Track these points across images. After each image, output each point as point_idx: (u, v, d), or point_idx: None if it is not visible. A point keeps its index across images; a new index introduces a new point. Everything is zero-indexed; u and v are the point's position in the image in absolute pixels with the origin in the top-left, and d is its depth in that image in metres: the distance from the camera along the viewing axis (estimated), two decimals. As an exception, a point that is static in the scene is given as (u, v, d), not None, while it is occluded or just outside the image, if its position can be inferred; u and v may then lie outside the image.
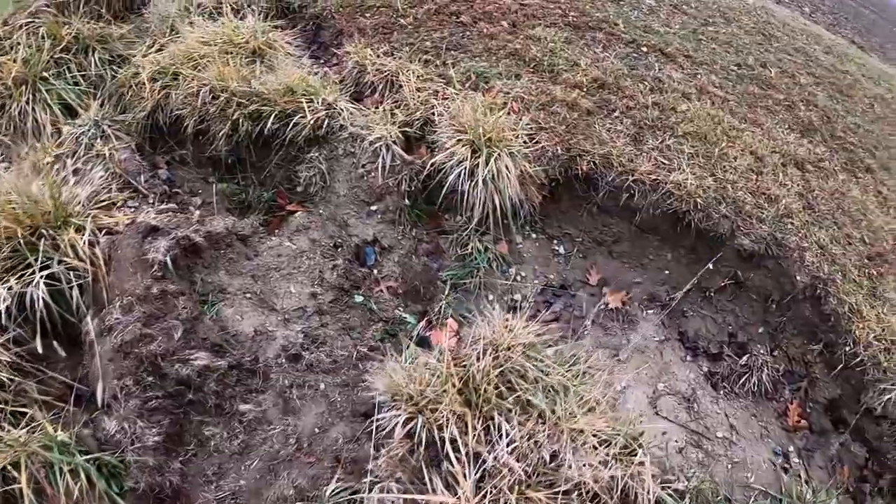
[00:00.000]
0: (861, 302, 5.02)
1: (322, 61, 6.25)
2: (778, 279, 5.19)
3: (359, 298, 4.67)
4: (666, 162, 5.33)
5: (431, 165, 4.90)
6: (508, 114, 5.23)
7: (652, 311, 5.26)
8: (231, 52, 5.43)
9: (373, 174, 4.98)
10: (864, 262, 5.52)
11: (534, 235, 5.25)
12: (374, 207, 5.03)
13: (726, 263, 5.28)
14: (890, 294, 5.33)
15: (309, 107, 4.98)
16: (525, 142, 5.03)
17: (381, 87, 5.59)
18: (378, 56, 5.77)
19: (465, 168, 4.73)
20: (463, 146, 4.79)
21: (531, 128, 5.20)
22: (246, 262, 4.47)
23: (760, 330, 5.31)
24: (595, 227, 5.34)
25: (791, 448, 4.82)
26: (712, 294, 5.34)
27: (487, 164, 4.71)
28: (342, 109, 5.19)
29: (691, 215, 5.09)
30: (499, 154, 4.75)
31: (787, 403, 5.02)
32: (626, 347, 4.95)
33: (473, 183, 4.73)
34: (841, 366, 4.81)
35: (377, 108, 5.36)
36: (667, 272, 5.39)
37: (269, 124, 4.95)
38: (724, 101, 6.44)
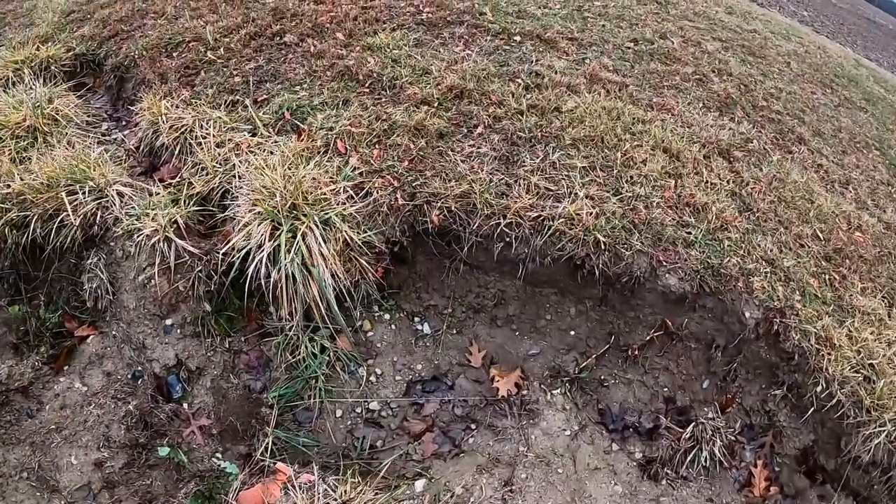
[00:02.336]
0: (829, 326, 3.65)
1: (123, 123, 4.75)
2: (721, 319, 3.72)
3: (164, 451, 3.21)
4: (552, 187, 3.73)
5: (226, 254, 3.32)
6: (329, 158, 3.60)
7: (558, 392, 3.69)
8: (1, 139, 4.13)
9: (155, 280, 3.41)
10: (822, 265, 4.15)
11: (387, 317, 3.65)
12: (169, 321, 3.50)
13: (650, 310, 3.77)
14: (859, 300, 3.99)
15: (72, 201, 3.62)
16: (352, 197, 3.40)
17: (177, 149, 4.02)
18: (176, 107, 4.19)
19: (265, 253, 3.11)
20: (261, 222, 3.15)
21: (360, 173, 3.55)
22: (27, 421, 3.29)
23: (705, 384, 3.85)
24: (468, 290, 3.74)
25: None
26: (636, 352, 3.80)
27: (294, 241, 3.08)
28: (115, 196, 3.66)
29: (593, 259, 3.51)
30: (309, 226, 3.12)
31: (749, 468, 3.68)
32: (525, 460, 3.35)
33: (279, 271, 3.10)
34: (812, 409, 3.53)
35: (173, 179, 3.87)
36: (572, 333, 3.82)
37: (33, 231, 3.65)
38: (621, 87, 4.86)
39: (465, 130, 3.98)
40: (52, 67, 5.01)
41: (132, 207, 3.60)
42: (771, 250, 3.96)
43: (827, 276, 4.06)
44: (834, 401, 3.44)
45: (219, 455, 3.28)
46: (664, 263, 3.60)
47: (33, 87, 4.53)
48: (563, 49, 5.14)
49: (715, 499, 3.56)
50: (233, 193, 3.56)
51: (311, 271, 3.10)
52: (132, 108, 4.48)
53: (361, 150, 3.70)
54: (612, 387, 3.74)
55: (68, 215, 3.56)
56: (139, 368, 3.44)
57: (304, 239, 3.11)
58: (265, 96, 4.25)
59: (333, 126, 3.84)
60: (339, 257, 3.19)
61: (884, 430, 3.35)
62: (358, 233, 3.29)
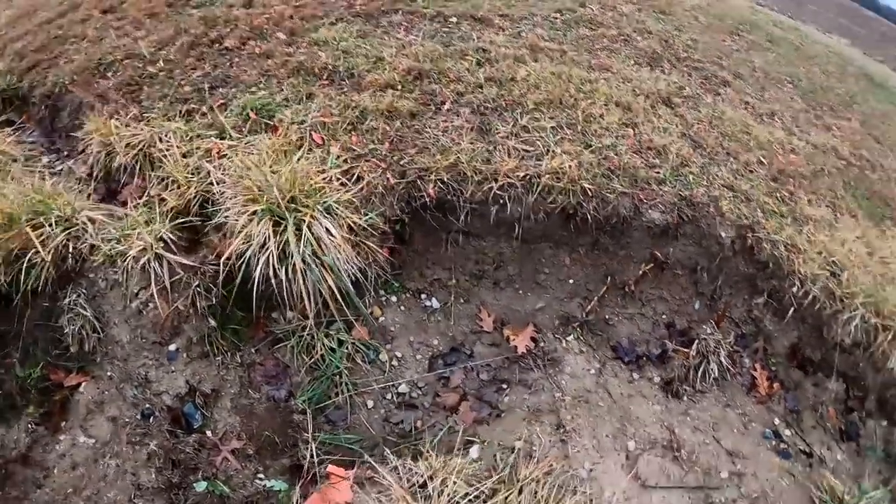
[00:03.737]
0: (792, 235, 4.02)
1: (65, 154, 4.30)
2: (700, 244, 3.93)
3: (201, 486, 2.92)
4: (529, 148, 3.76)
5: (227, 260, 3.06)
6: (310, 150, 3.47)
7: (572, 337, 3.72)
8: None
9: (155, 303, 3.08)
10: (772, 185, 4.51)
11: (394, 299, 3.55)
12: (173, 346, 3.18)
13: (638, 246, 3.87)
14: (809, 210, 4.42)
15: (40, 236, 3.11)
16: (344, 184, 3.28)
17: (137, 167, 3.69)
18: (126, 126, 3.85)
19: (272, 251, 2.93)
20: (260, 221, 2.99)
21: (345, 160, 3.44)
22: (36, 492, 2.82)
23: (697, 306, 4.04)
24: (467, 259, 3.70)
25: (776, 421, 3.83)
26: (633, 288, 3.92)
27: (300, 235, 2.94)
28: (86, 223, 3.25)
29: (584, 207, 3.57)
30: (311, 216, 2.99)
31: (750, 372, 3.95)
32: (564, 403, 3.35)
33: (290, 267, 2.95)
34: (793, 309, 3.89)
35: (139, 199, 3.51)
36: (571, 281, 3.85)
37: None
38: (561, 54, 4.94)
39: (434, 108, 3.93)
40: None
41: (107, 232, 3.24)
42: (728, 178, 4.24)
43: (778, 194, 4.40)
44: (810, 297, 3.81)
45: (261, 475, 3.06)
46: (645, 201, 3.73)
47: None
48: (497, 25, 5.17)
49: (731, 403, 3.77)
50: (214, 200, 3.33)
51: (324, 260, 2.97)
52: (74, 135, 4.10)
53: (340, 139, 3.59)
54: (617, 324, 3.81)
55: (37, 252, 3.06)
56: (147, 406, 3.09)
57: (310, 229, 2.98)
58: (222, 101, 4.02)
59: (304, 119, 3.69)
60: (347, 243, 3.07)
61: (857, 314, 3.74)
62: (359, 216, 3.18)
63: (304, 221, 3.00)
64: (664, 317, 3.95)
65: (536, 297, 3.76)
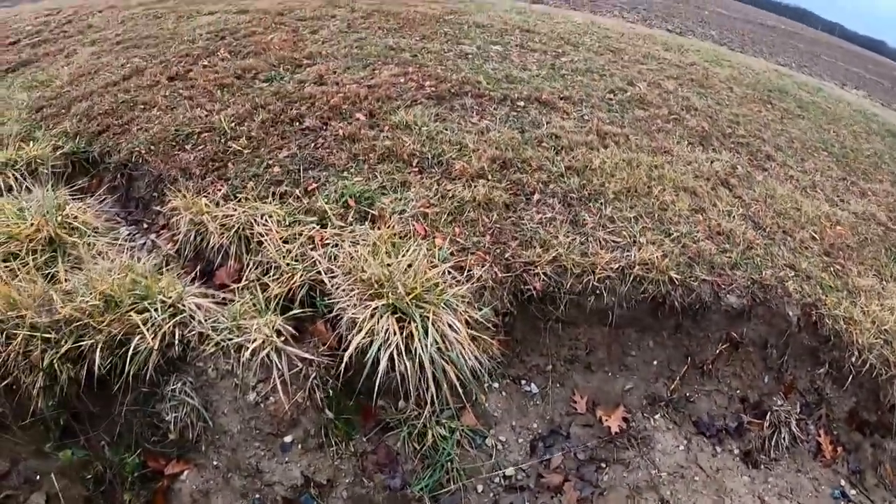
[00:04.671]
0: (848, 308, 4.18)
1: (145, 226, 4.26)
2: (771, 323, 4.08)
3: None
4: (618, 239, 3.93)
5: (346, 353, 3.14)
6: (417, 242, 3.61)
7: (659, 416, 3.85)
8: (17, 255, 3.48)
9: (272, 398, 3.13)
10: (825, 260, 4.69)
11: (496, 385, 3.66)
12: (288, 438, 3.18)
13: (715, 328, 4.03)
14: (859, 281, 4.59)
15: (145, 320, 3.06)
16: (455, 277, 3.43)
17: (233, 249, 3.72)
18: (217, 204, 3.93)
19: (396, 346, 3.06)
20: (382, 316, 3.11)
21: (451, 253, 3.59)
22: None
23: (766, 379, 4.17)
24: (562, 345, 3.84)
25: (842, 482, 3.94)
26: (710, 366, 4.06)
27: (426, 332, 3.06)
28: (194, 310, 3.25)
29: (672, 295, 3.74)
30: (435, 312, 3.12)
31: (815, 438, 4.07)
32: (662, 479, 3.47)
33: (413, 361, 3.06)
34: (851, 376, 4.03)
35: (236, 283, 3.56)
36: (655, 363, 3.99)
37: (97, 362, 2.95)
38: (625, 138, 5.15)
39: (525, 198, 4.10)
40: (40, 169, 4.46)
41: (217, 320, 3.23)
42: (788, 257, 4.42)
43: (832, 269, 4.57)
44: (867, 365, 3.95)
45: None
46: (722, 287, 3.90)
47: (32, 191, 3.95)
48: (562, 109, 5.37)
49: (801, 469, 3.90)
50: (324, 290, 3.42)
51: (449, 356, 3.09)
52: (159, 207, 4.13)
53: (442, 230, 3.74)
54: (697, 401, 3.94)
55: (143, 338, 2.99)
56: (258, 496, 3.06)
57: (434, 325, 3.11)
58: (315, 184, 4.13)
59: (404, 209, 3.85)
60: (467, 337, 3.20)
61: None
62: (474, 311, 3.31)
63: (429, 318, 3.12)
64: (738, 392, 4.09)
65: (625, 379, 3.88)
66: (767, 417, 3.93)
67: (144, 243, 4.08)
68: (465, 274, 3.48)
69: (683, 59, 8.12)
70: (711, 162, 5.26)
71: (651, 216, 4.19)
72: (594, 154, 4.67)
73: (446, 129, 4.70)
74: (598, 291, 3.62)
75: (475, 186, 4.07)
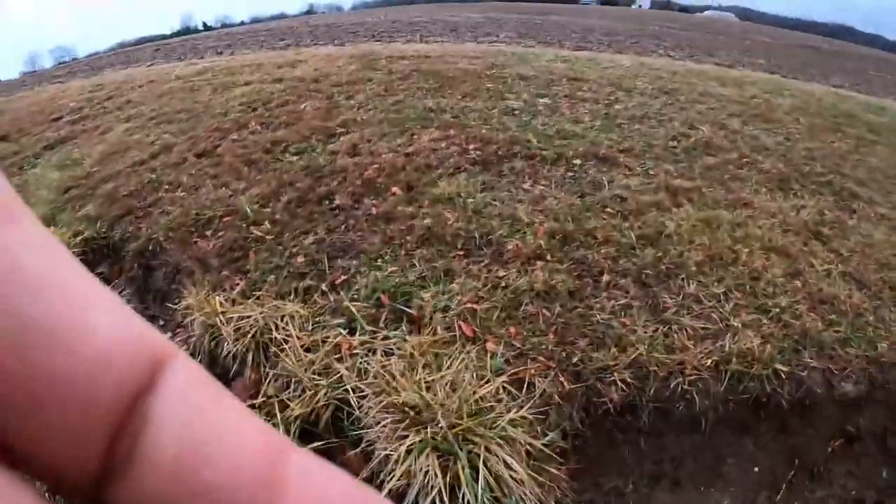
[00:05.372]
0: None
1: (161, 324, 3.76)
2: (892, 407, 3.24)
3: None
4: (707, 325, 3.18)
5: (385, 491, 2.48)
6: (463, 346, 2.94)
7: (764, 538, 3.01)
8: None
9: None
10: None
11: (569, 515, 2.91)
12: None
13: (827, 423, 3.21)
14: None
15: None
16: (511, 393, 2.74)
17: (250, 357, 3.14)
18: (233, 303, 3.38)
19: (440, 490, 2.37)
20: (421, 454, 2.45)
21: (507, 360, 2.90)
22: None
23: (885, 474, 3.29)
24: (644, 460, 3.08)
25: None
26: (821, 468, 3.22)
27: (476, 473, 2.38)
28: None
29: (778, 392, 2.96)
30: (487, 447, 2.43)
31: None
32: None
33: (461, 506, 2.37)
34: None
35: (254, 399, 2.96)
36: (756, 470, 3.19)
37: None
38: (698, 192, 4.43)
39: (592, 282, 3.41)
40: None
41: None
42: None
43: None
44: None
45: None
46: (836, 373, 3.14)
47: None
48: (623, 164, 4.71)
49: None
50: (352, 414, 2.80)
51: (504, 500, 2.40)
52: (170, 304, 3.65)
53: (495, 331, 3.06)
54: (806, 512, 3.11)
55: None
56: None
57: (485, 464, 2.42)
58: (343, 277, 3.56)
59: (448, 305, 3.19)
60: (527, 471, 2.50)
61: None
62: (536, 436, 2.61)
63: (479, 456, 2.44)
64: (854, 493, 3.24)
65: (720, 493, 3.09)
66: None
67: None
68: (525, 388, 2.78)
69: (743, 93, 7.38)
70: (797, 211, 4.49)
71: (742, 289, 3.45)
72: (667, 216, 3.96)
73: (495, 200, 4.07)
74: (687, 396, 2.87)
75: (532, 270, 3.40)
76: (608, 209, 4.01)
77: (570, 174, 4.46)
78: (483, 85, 6.48)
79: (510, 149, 4.73)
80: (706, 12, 60.20)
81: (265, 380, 3.06)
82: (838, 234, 4.44)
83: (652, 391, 2.85)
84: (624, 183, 4.35)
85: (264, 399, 2.95)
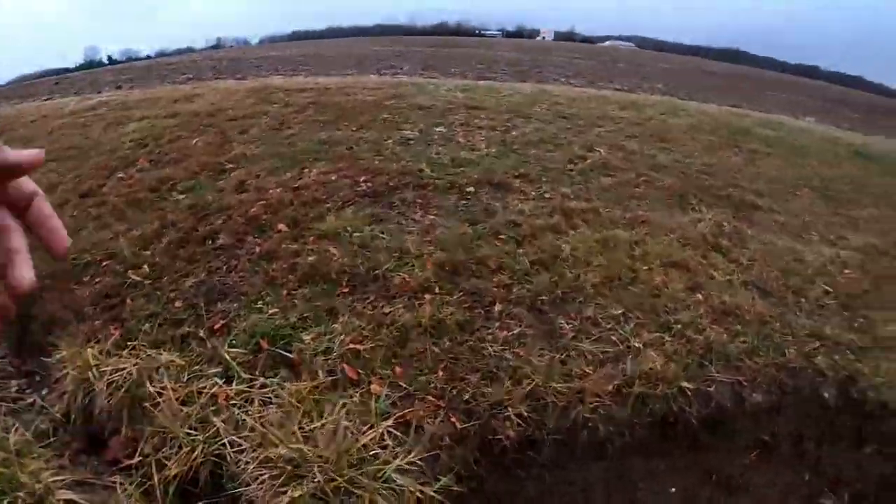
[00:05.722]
0: (889, 370, 3.24)
1: (37, 379, 3.36)
2: (806, 412, 3.15)
3: None
4: (607, 348, 2.99)
5: None
6: (345, 390, 2.64)
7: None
8: None
9: None
10: (846, 315, 3.79)
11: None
12: None
13: (740, 435, 3.06)
14: (888, 329, 3.66)
15: None
16: (397, 438, 2.45)
17: (124, 413, 2.78)
18: (107, 354, 3.01)
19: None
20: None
21: (392, 403, 2.61)
22: None
23: (807, 477, 3.15)
24: (550, 495, 2.82)
25: None
26: (739, 481, 3.06)
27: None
28: None
29: (686, 411, 2.80)
30: (371, 499, 2.14)
31: None
32: None
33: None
34: None
35: (129, 458, 2.62)
36: (672, 491, 3.03)
37: None
38: (595, 213, 4.30)
39: (484, 312, 3.17)
40: None
41: None
42: (808, 325, 3.54)
43: (856, 324, 3.69)
44: None
45: None
46: (745, 384, 3.03)
47: None
48: (518, 189, 4.56)
49: None
50: (230, 470, 2.47)
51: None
52: (46, 359, 3.26)
53: (379, 372, 2.77)
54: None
55: None
56: None
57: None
58: (222, 321, 3.22)
59: (330, 347, 2.89)
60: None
61: None
62: (427, 482, 2.32)
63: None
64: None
65: None
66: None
67: (33, 402, 3.22)
68: (413, 431, 2.50)
69: (640, 115, 7.45)
70: (695, 224, 4.43)
71: (642, 308, 3.29)
72: (563, 239, 3.80)
73: (383, 233, 3.81)
74: (590, 424, 2.65)
75: (420, 305, 3.13)
76: (501, 235, 3.81)
77: (462, 202, 4.26)
78: (379, 116, 6.25)
79: (401, 179, 4.50)
80: (607, 42, 62.50)
81: (141, 437, 2.70)
82: (738, 244, 4.40)
83: (552, 423, 2.61)
84: (518, 208, 4.19)
85: (140, 458, 2.61)
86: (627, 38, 74.11)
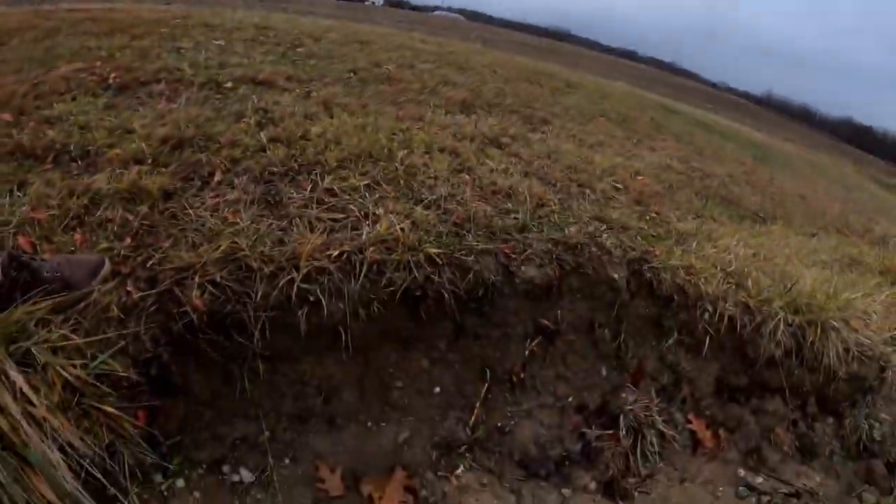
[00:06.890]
0: (684, 256, 3.09)
1: None
2: (593, 295, 2.84)
3: None
4: (340, 216, 2.58)
5: None
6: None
7: (462, 468, 2.53)
8: None
9: None
10: (638, 209, 3.68)
11: (181, 483, 2.08)
12: None
13: (517, 319, 2.71)
14: (682, 226, 3.63)
15: None
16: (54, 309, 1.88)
17: None
18: None
19: None
20: None
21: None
22: None
23: (604, 372, 2.94)
24: (280, 396, 2.38)
25: (740, 471, 2.90)
26: (521, 376, 2.75)
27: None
28: None
29: (435, 281, 2.43)
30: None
31: (686, 427, 2.94)
32: None
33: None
34: (708, 338, 2.91)
35: None
36: (437, 390, 2.63)
37: None
38: (362, 107, 3.85)
39: (199, 182, 2.65)
40: None
41: None
42: (594, 210, 3.30)
43: (648, 217, 3.58)
44: (725, 319, 2.88)
45: None
46: (513, 256, 2.64)
47: None
48: (282, 87, 4.07)
49: (685, 475, 2.76)
50: None
51: (27, 455, 1.54)
52: None
53: (56, 240, 2.18)
54: (514, 429, 2.63)
55: None
56: None
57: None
58: None
59: (10, 219, 2.25)
60: (68, 415, 1.67)
61: (779, 317, 2.95)
62: (83, 365, 1.78)
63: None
64: (570, 399, 2.80)
65: (396, 427, 2.47)
66: (621, 422, 2.71)
67: None
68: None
69: (442, 49, 7.17)
70: (476, 124, 4.12)
71: (393, 183, 2.91)
72: (314, 124, 3.34)
73: (112, 117, 3.17)
74: (310, 298, 2.20)
75: (123, 174, 2.55)
76: (245, 119, 3.29)
77: (216, 96, 3.70)
78: (158, 29, 5.45)
79: (155, 77, 3.87)
80: (436, 12, 62.12)
81: None
82: (521, 144, 4.15)
83: (259, 295, 2.12)
84: (275, 100, 3.68)
85: None
86: (457, 10, 74.95)
